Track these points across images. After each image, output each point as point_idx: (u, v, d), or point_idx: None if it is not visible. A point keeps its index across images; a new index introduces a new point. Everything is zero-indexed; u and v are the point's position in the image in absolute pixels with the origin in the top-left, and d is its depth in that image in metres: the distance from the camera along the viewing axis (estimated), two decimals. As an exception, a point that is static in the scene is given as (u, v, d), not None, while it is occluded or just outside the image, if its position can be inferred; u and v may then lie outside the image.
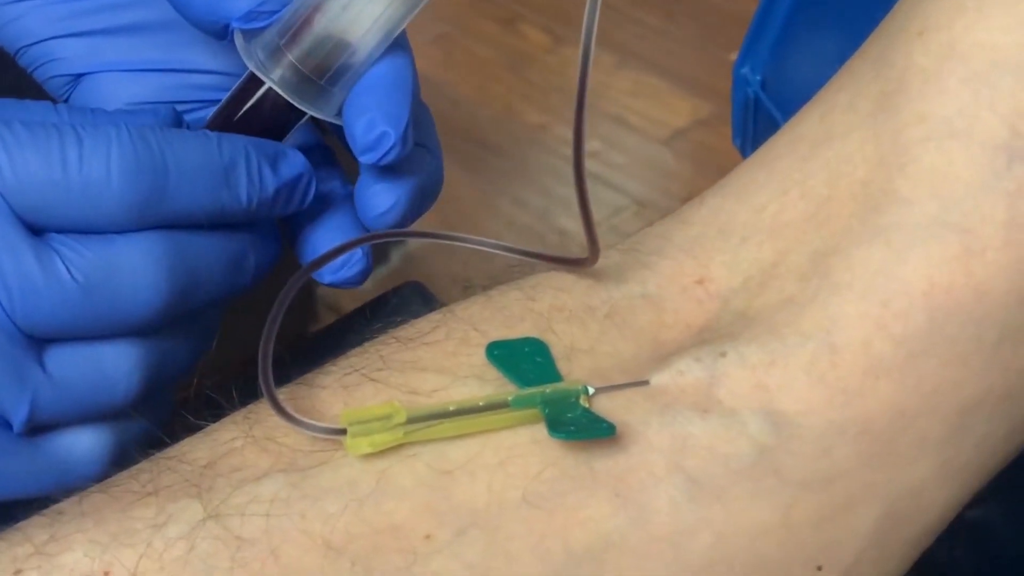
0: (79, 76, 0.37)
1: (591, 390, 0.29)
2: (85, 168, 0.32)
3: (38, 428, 0.33)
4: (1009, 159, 0.29)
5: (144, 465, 0.28)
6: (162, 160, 0.33)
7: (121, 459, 0.32)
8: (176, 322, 0.35)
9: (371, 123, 0.34)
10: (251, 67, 0.35)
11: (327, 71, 0.35)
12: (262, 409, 0.28)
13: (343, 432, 0.27)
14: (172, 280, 0.33)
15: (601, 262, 0.32)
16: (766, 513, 0.28)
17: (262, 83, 0.35)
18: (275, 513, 0.26)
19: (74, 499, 0.27)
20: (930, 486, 0.30)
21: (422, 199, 0.37)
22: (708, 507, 0.28)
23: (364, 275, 0.37)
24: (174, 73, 0.37)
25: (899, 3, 0.33)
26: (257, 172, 0.35)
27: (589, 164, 1.55)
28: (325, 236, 0.37)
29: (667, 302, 0.31)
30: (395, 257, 1.56)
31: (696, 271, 0.32)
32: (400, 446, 0.28)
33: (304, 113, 0.36)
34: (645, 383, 0.29)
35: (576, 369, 0.30)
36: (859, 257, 0.30)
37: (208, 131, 0.35)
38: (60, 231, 0.32)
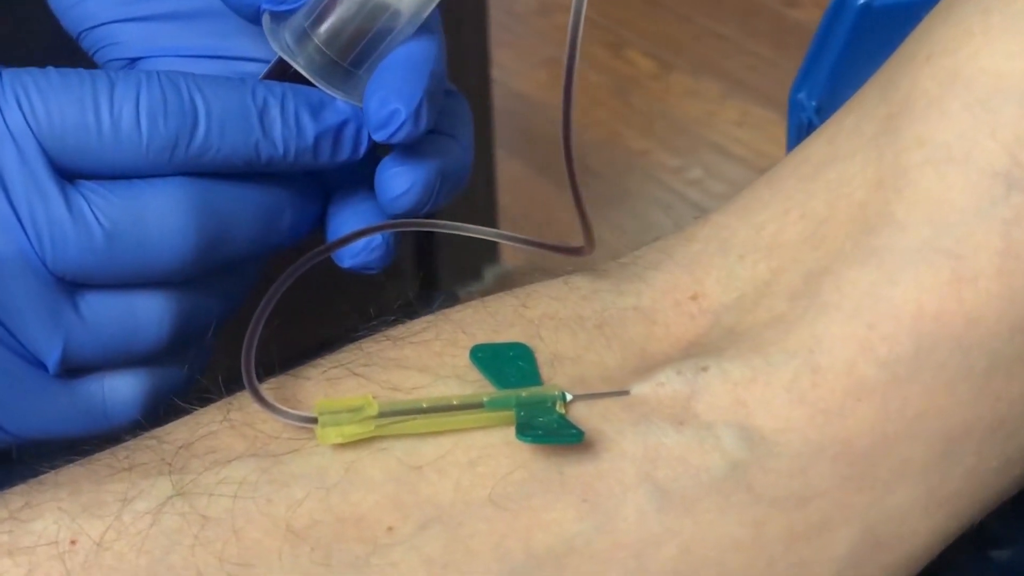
0: (135, 60, 0.38)
1: (568, 396, 0.29)
2: (115, 112, 0.33)
3: (72, 371, 0.34)
4: (1007, 187, 0.29)
5: (127, 443, 0.29)
6: (192, 103, 0.33)
7: (156, 407, 0.33)
8: (208, 274, 0.35)
9: (384, 100, 0.34)
10: (277, 50, 0.35)
11: (351, 54, 0.35)
12: (245, 396, 0.29)
13: (315, 421, 0.28)
14: (202, 228, 0.34)
15: (602, 275, 0.33)
16: (736, 528, 0.28)
17: (289, 67, 0.36)
18: (242, 495, 0.27)
19: (54, 471, 0.28)
20: (913, 513, 0.29)
21: (441, 186, 0.36)
22: (676, 518, 0.28)
23: (384, 260, 0.37)
24: (223, 60, 0.38)
25: (913, 30, 0.32)
26: (294, 117, 0.35)
27: (690, 192, 1.55)
28: (348, 219, 0.37)
29: (659, 315, 0.31)
30: (489, 277, 1.57)
31: (691, 286, 0.32)
32: (374, 440, 0.28)
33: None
34: (625, 393, 0.29)
35: (559, 376, 0.30)
36: (849, 278, 0.29)
37: (244, 78, 0.35)
38: (90, 176, 0.33)
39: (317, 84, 0.35)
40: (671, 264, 0.32)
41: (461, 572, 0.27)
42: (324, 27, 0.35)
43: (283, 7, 0.35)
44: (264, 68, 0.38)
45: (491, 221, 1.39)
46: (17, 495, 0.27)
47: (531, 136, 1.58)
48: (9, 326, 0.33)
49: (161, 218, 0.33)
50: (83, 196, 0.33)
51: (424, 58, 0.35)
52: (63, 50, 0.35)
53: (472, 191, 1.38)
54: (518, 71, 1.67)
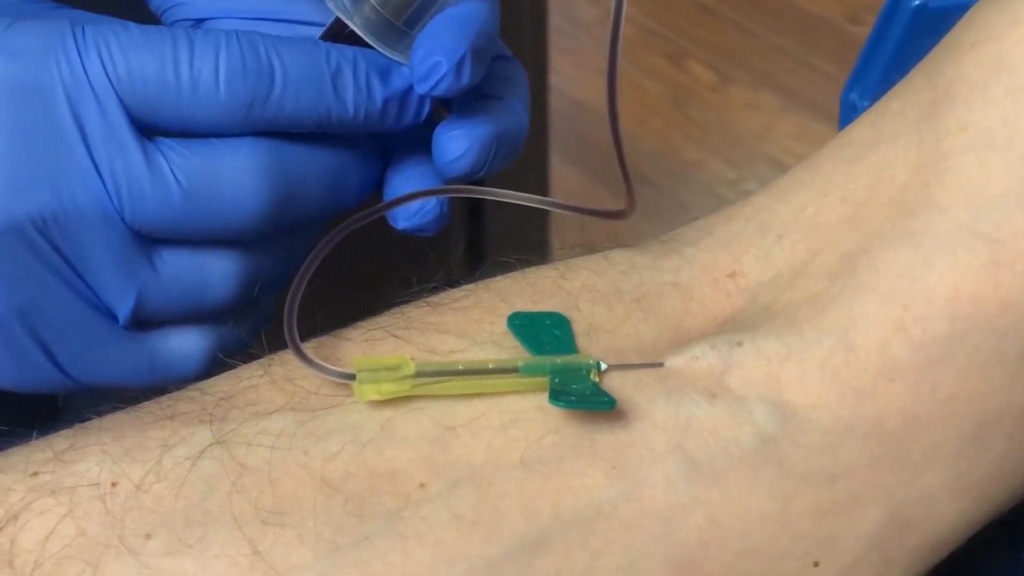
0: (200, 21, 0.39)
1: (603, 366, 0.30)
2: (195, 69, 0.33)
3: (141, 324, 0.35)
4: None
5: (172, 394, 0.30)
6: (268, 64, 0.34)
7: (217, 363, 0.34)
8: (276, 234, 0.36)
9: (427, 54, 0.35)
10: (334, 10, 0.36)
11: (405, 14, 0.36)
12: (287, 353, 0.30)
13: (353, 377, 0.29)
14: (273, 189, 0.34)
15: (641, 251, 0.33)
16: (764, 502, 0.28)
17: (345, 27, 0.36)
18: (279, 446, 0.28)
19: (99, 417, 0.29)
20: (941, 496, 0.29)
21: (496, 149, 0.37)
22: (704, 489, 0.28)
23: (439, 222, 0.37)
24: (285, 24, 0.38)
25: (960, 19, 0.33)
26: (365, 81, 0.35)
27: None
28: (405, 182, 0.38)
29: (696, 291, 0.32)
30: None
31: (729, 265, 0.32)
32: (410, 399, 0.29)
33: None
34: (659, 365, 0.30)
35: (594, 346, 0.31)
36: (885, 259, 0.30)
37: (318, 40, 0.36)
38: (167, 133, 0.34)
39: (372, 44, 0.36)
40: (710, 242, 0.33)
41: (489, 530, 0.27)
42: None
43: None
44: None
45: (543, 225, 1.39)
46: (63, 438, 0.28)
47: (587, 143, 1.59)
48: (85, 277, 0.34)
49: (237, 178, 0.34)
50: (161, 153, 0.33)
51: (472, 17, 0.35)
52: (131, 12, 0.36)
53: (524, 183, 1.38)
54: (577, 78, 1.67)
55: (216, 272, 0.35)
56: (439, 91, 0.35)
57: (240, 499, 0.27)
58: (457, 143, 0.36)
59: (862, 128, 0.33)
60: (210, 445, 0.28)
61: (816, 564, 0.29)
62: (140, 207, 0.33)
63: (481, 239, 1.28)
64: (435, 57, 0.34)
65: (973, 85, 0.30)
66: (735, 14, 1.80)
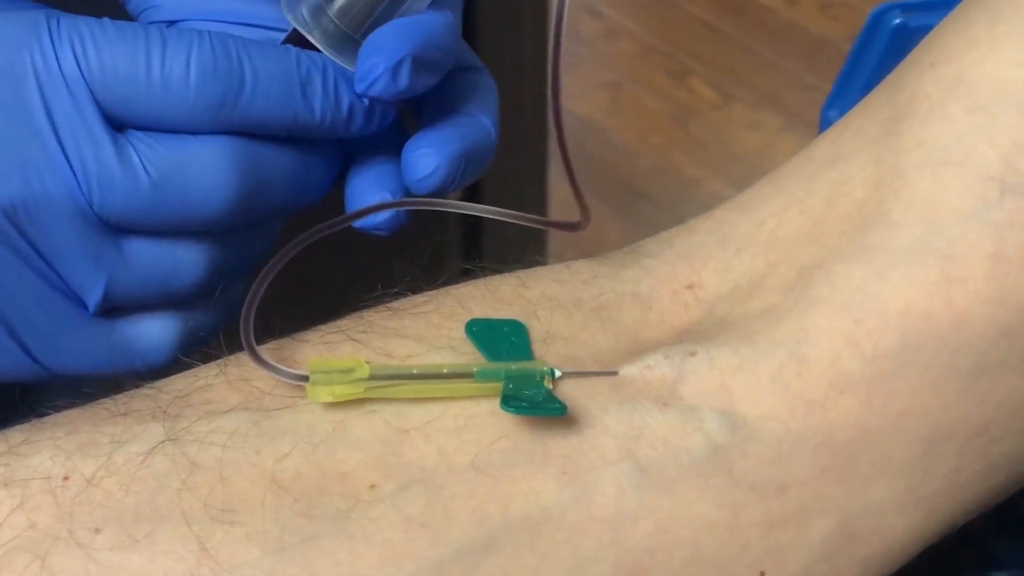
0: (173, 23, 0.39)
1: (557, 373, 0.30)
2: (167, 67, 0.34)
3: (111, 311, 0.36)
4: (1001, 192, 0.29)
5: (128, 392, 0.30)
6: (239, 66, 0.34)
7: (179, 360, 0.34)
8: (242, 227, 0.36)
9: (367, 55, 0.35)
10: (293, 22, 0.37)
11: (363, 26, 0.36)
12: (244, 355, 0.30)
13: (306, 379, 0.29)
14: (241, 184, 0.35)
15: (603, 261, 0.33)
16: (713, 510, 0.29)
17: (305, 40, 0.37)
18: (231, 445, 0.28)
19: (55, 412, 0.29)
20: (891, 509, 0.30)
21: (465, 166, 0.37)
22: (654, 496, 0.28)
23: (392, 224, 0.37)
24: (255, 28, 0.39)
25: (922, 39, 0.33)
26: (333, 87, 0.36)
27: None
28: (367, 183, 0.38)
29: (655, 302, 0.32)
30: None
31: (689, 276, 0.32)
32: (364, 402, 0.29)
33: None
34: (613, 373, 0.30)
35: (551, 353, 0.31)
36: (840, 273, 0.30)
37: (290, 45, 0.37)
38: (138, 127, 0.34)
39: (330, 56, 0.36)
40: (671, 254, 0.33)
41: (438, 532, 0.27)
42: (338, 2, 0.36)
43: None
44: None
45: (540, 239, 1.40)
46: (18, 432, 0.28)
47: (586, 158, 1.59)
48: (54, 264, 0.34)
49: (205, 171, 0.34)
50: (132, 145, 0.34)
51: (420, 26, 0.36)
52: (108, 13, 0.37)
53: (523, 209, 1.39)
54: (579, 94, 1.68)
55: (184, 261, 0.35)
56: (375, 92, 0.35)
57: (190, 496, 0.27)
58: (427, 161, 0.37)
59: (823, 144, 0.33)
60: (162, 442, 0.28)
61: (763, 574, 0.29)
62: (109, 196, 0.33)
63: (480, 256, 1.28)
64: (373, 58, 0.35)
65: (932, 103, 0.30)
66: (738, 33, 1.80)
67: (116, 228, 0.34)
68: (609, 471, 0.29)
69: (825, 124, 0.54)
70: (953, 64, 0.31)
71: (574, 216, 0.34)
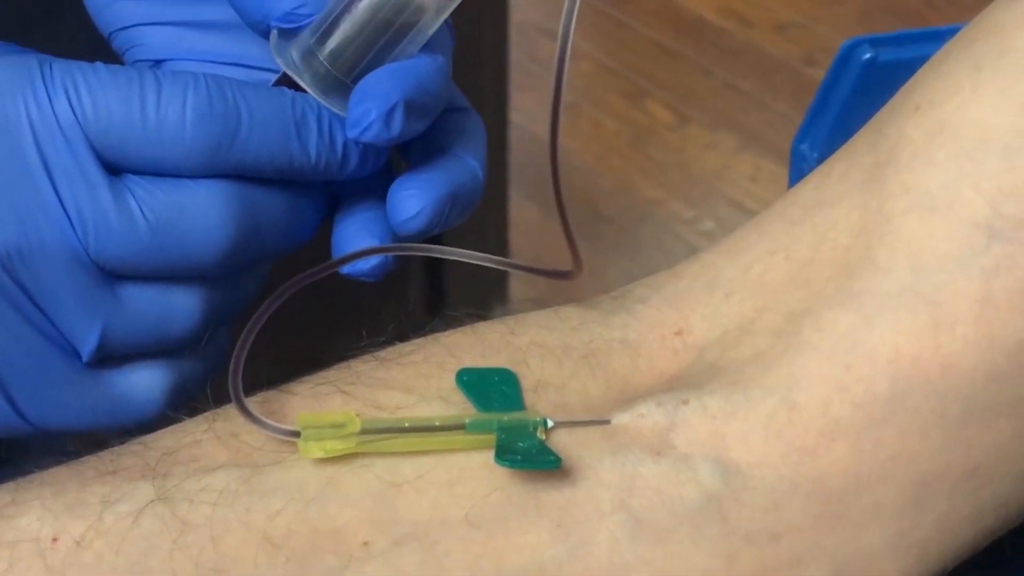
0: (160, 62, 0.39)
1: (550, 423, 0.30)
2: (162, 111, 0.33)
3: (101, 362, 0.35)
4: (988, 237, 0.29)
5: (114, 448, 0.30)
6: (235, 109, 0.34)
7: (176, 403, 0.34)
8: (237, 270, 0.36)
9: (359, 100, 0.35)
10: (283, 66, 0.36)
11: (354, 71, 0.36)
12: (232, 408, 0.30)
13: (298, 435, 0.28)
14: (238, 227, 0.34)
15: (592, 307, 0.33)
16: (708, 560, 0.29)
17: (294, 83, 0.36)
18: (222, 503, 0.27)
19: (41, 471, 0.29)
20: (883, 555, 0.30)
21: (451, 208, 0.37)
22: (649, 547, 0.28)
23: (379, 271, 0.37)
24: (242, 68, 0.38)
25: (904, 84, 0.33)
26: (328, 129, 0.35)
27: (702, 243, 1.55)
28: (355, 230, 0.38)
29: (644, 348, 0.32)
30: (498, 312, 1.58)
31: (677, 322, 0.32)
32: (355, 456, 0.29)
33: None
34: (606, 422, 0.30)
35: (542, 402, 0.31)
36: (828, 319, 0.30)
37: (284, 87, 0.36)
38: (135, 172, 0.34)
39: (320, 100, 0.36)
40: (658, 299, 0.33)
41: None
42: (328, 45, 0.36)
43: (291, 25, 0.36)
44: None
45: (502, 273, 1.39)
46: (4, 492, 0.28)
47: (546, 179, 1.59)
48: (48, 312, 0.33)
49: (203, 214, 0.34)
50: (129, 189, 0.33)
51: (412, 70, 0.35)
52: (97, 53, 0.36)
53: (484, 232, 1.39)
54: (538, 116, 1.68)
55: (179, 306, 0.35)
56: (368, 137, 0.35)
57: (181, 556, 0.27)
58: (412, 203, 0.36)
59: (807, 189, 0.33)
60: (152, 501, 0.27)
61: None
62: (105, 242, 0.33)
63: (440, 289, 1.28)
64: (366, 104, 0.35)
65: (916, 149, 0.31)
66: (694, 54, 1.82)
67: (112, 274, 0.34)
68: (603, 523, 0.28)
69: (796, 157, 0.55)
70: (936, 109, 0.31)
71: (561, 257, 0.34)
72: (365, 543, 0.27)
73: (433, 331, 0.33)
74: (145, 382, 0.35)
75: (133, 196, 0.33)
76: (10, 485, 0.28)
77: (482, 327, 0.33)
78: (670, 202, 1.61)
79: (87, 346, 0.34)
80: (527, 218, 1.50)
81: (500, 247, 1.40)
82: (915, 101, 0.31)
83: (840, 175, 0.32)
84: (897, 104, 0.32)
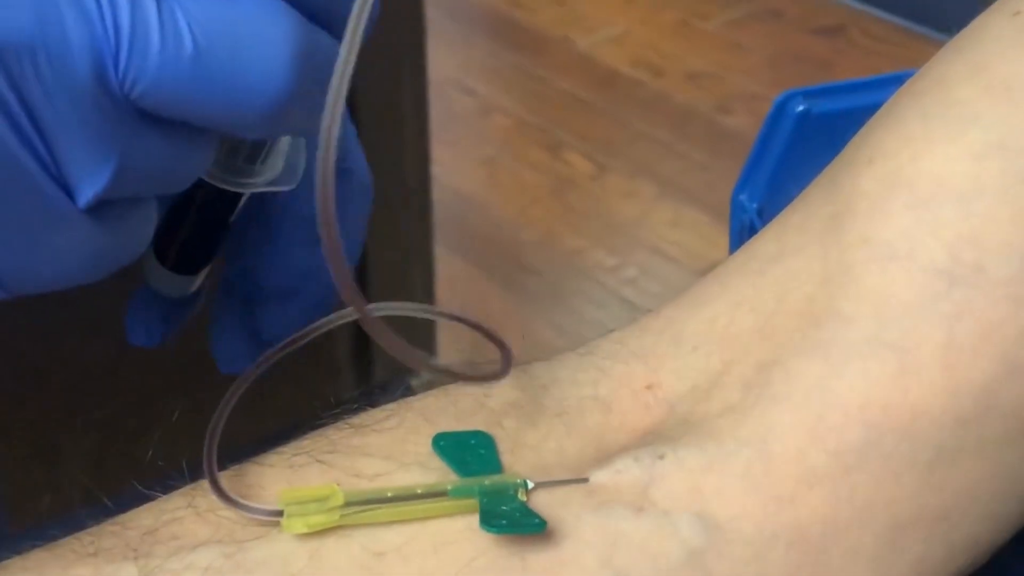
0: None
1: (530, 484, 0.30)
2: None
3: (97, 206, 0.29)
4: (949, 284, 0.30)
5: (92, 529, 0.29)
6: None
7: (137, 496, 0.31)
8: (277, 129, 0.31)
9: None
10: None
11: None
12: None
13: (280, 514, 0.28)
14: (301, 71, 0.28)
15: (560, 364, 0.33)
16: None
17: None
18: None
19: (19, 555, 0.28)
20: None
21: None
22: None
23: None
24: None
25: (855, 135, 0.34)
26: None
27: (625, 290, 1.57)
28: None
29: (615, 404, 0.32)
30: (426, 375, 1.58)
31: (647, 377, 0.33)
32: (337, 527, 0.29)
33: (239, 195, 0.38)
34: (584, 480, 0.30)
35: (519, 463, 0.31)
36: (797, 370, 0.30)
37: None
38: None
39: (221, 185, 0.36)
40: (626, 354, 0.33)
41: None
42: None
43: None
44: None
45: (430, 324, 1.39)
46: (-19, 581, 0.27)
47: (470, 233, 1.60)
48: (50, 136, 0.27)
49: (264, 47, 0.28)
50: (177, 1, 0.27)
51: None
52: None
53: (411, 287, 1.39)
54: (458, 170, 1.69)
55: (192, 153, 0.30)
56: None
57: None
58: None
59: (765, 241, 0.34)
60: None
61: None
62: (140, 61, 0.27)
63: (367, 348, 1.28)
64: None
65: (872, 200, 0.31)
66: (609, 105, 1.84)
67: (134, 105, 0.28)
68: None
69: (736, 208, 0.56)
70: (890, 161, 0.32)
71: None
72: None
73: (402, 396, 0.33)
74: (136, 230, 0.31)
75: (180, 8, 0.27)
76: (-13, 573, 0.28)
77: (453, 391, 0.33)
78: (592, 251, 1.62)
79: (93, 186, 0.28)
80: (453, 271, 1.50)
81: (427, 302, 1.40)
82: (868, 154, 0.32)
83: (798, 226, 0.33)
84: (849, 157, 0.33)
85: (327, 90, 0.25)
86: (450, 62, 1.82)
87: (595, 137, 1.78)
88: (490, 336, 0.30)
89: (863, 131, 0.34)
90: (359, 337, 1.23)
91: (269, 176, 0.37)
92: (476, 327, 0.30)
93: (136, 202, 0.30)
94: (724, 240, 1.59)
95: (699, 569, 0.29)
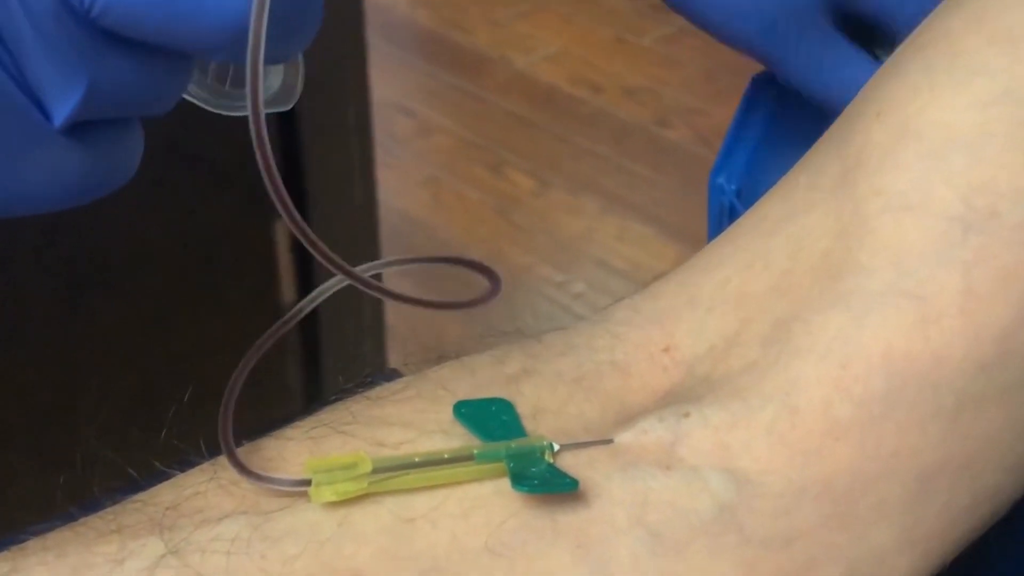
0: None
1: (556, 446, 0.29)
2: None
3: (72, 127, 0.29)
4: (964, 231, 0.30)
5: (111, 507, 0.28)
6: None
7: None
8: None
9: None
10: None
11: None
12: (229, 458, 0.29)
13: (305, 484, 0.28)
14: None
15: (575, 332, 0.33)
16: (728, 569, 0.28)
17: None
18: (235, 551, 0.26)
19: (39, 537, 0.27)
20: (891, 552, 0.30)
21: None
22: (669, 561, 0.28)
23: None
24: None
25: (860, 91, 0.34)
26: None
27: (575, 305, 1.56)
28: None
29: (633, 368, 0.32)
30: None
31: (663, 340, 0.32)
32: (364, 495, 0.28)
33: None
34: (609, 441, 0.30)
35: (541, 428, 0.30)
36: (818, 323, 0.30)
37: None
38: None
39: None
40: (641, 319, 0.33)
41: None
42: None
43: None
44: None
45: (379, 340, 1.39)
46: (2, 560, 0.26)
47: (415, 254, 1.59)
48: (19, 51, 0.27)
49: None
50: None
51: None
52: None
53: (360, 311, 1.38)
54: (402, 191, 1.68)
55: (168, 77, 0.30)
56: None
57: None
58: None
59: (774, 202, 0.34)
60: (163, 555, 0.26)
61: None
62: None
63: (317, 356, 1.27)
64: None
65: (883, 152, 0.31)
66: (549, 123, 1.84)
67: (97, 24, 0.28)
68: (622, 540, 0.28)
69: (714, 191, 0.56)
70: (898, 113, 0.32)
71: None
72: None
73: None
74: (119, 150, 0.30)
75: None
76: (8, 553, 0.27)
77: (468, 360, 0.32)
78: (539, 267, 1.62)
79: (65, 106, 0.28)
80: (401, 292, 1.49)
81: (377, 325, 1.39)
82: (875, 107, 0.32)
83: (808, 185, 0.33)
84: (856, 112, 0.33)
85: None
86: (389, 84, 1.82)
87: (537, 155, 1.79)
88: (478, 266, 0.30)
89: (867, 87, 0.34)
90: (307, 332, 1.22)
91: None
92: (459, 261, 0.30)
93: (119, 125, 0.30)
94: (670, 252, 1.61)
95: (731, 523, 0.29)
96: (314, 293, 0.35)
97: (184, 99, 0.33)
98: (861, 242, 0.31)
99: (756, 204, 0.35)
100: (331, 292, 0.33)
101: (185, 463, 0.29)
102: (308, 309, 0.32)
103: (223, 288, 1.18)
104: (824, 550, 0.29)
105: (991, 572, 0.35)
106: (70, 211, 0.30)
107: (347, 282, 0.31)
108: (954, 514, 0.31)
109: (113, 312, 1.04)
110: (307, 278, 1.26)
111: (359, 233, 1.36)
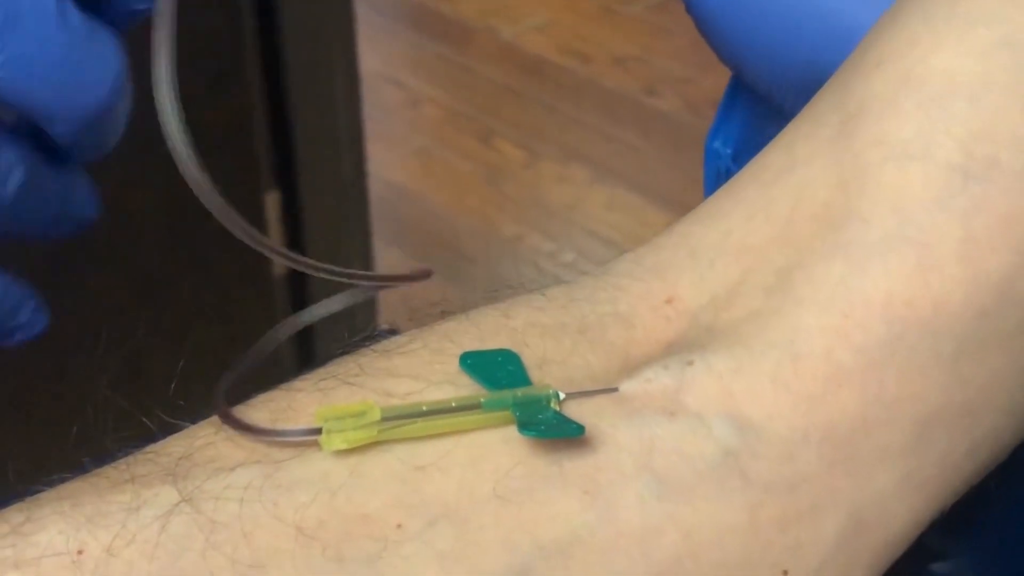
0: None
1: (562, 395, 0.30)
2: None
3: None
4: (964, 179, 0.30)
5: (124, 458, 0.29)
6: None
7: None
8: None
9: None
10: None
11: None
12: (241, 409, 0.29)
13: (317, 432, 0.28)
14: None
15: (578, 286, 0.33)
16: (732, 513, 0.29)
17: None
18: (248, 499, 0.27)
19: (52, 488, 0.28)
20: (893, 497, 0.30)
21: None
22: (676, 505, 0.28)
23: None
24: None
25: (857, 45, 0.34)
26: None
27: (564, 274, 1.56)
28: None
29: (637, 319, 0.32)
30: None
31: (665, 291, 0.33)
32: (372, 444, 0.28)
33: None
34: (614, 390, 0.30)
35: (547, 378, 0.31)
36: (820, 271, 0.31)
37: None
38: None
39: None
40: (642, 271, 0.33)
41: (472, 565, 0.27)
42: None
43: None
44: None
45: (370, 309, 1.39)
46: (16, 511, 0.27)
47: (407, 224, 1.59)
48: None
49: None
50: None
51: None
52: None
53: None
54: (391, 162, 1.68)
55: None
56: None
57: (216, 555, 0.26)
58: None
59: (776, 152, 0.34)
60: (178, 503, 0.26)
61: (785, 572, 0.29)
62: None
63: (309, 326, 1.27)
64: None
65: (884, 101, 0.32)
66: (538, 93, 1.84)
67: None
68: (629, 486, 0.28)
69: (711, 155, 0.56)
70: (899, 62, 0.32)
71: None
72: (399, 525, 0.27)
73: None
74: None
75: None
76: (22, 504, 0.27)
77: (474, 314, 0.33)
78: (529, 236, 1.62)
79: None
80: (391, 263, 1.50)
81: (367, 297, 1.40)
82: (875, 57, 0.33)
83: (808, 135, 0.33)
84: (855, 62, 0.33)
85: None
86: (376, 55, 1.82)
87: (526, 124, 1.79)
88: (405, 278, 0.31)
89: (867, 38, 0.34)
90: (297, 304, 1.22)
91: None
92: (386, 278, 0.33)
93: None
94: (659, 220, 1.62)
95: (735, 469, 0.29)
96: (314, 307, 0.36)
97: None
98: (861, 191, 0.31)
99: (757, 156, 0.35)
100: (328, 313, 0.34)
101: (196, 417, 0.30)
102: (308, 322, 0.33)
103: (213, 258, 1.18)
104: (827, 495, 0.30)
105: (991, 516, 0.35)
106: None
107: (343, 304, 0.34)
108: (954, 460, 0.31)
109: (99, 283, 1.04)
110: (298, 248, 1.26)
111: (349, 205, 1.36)
